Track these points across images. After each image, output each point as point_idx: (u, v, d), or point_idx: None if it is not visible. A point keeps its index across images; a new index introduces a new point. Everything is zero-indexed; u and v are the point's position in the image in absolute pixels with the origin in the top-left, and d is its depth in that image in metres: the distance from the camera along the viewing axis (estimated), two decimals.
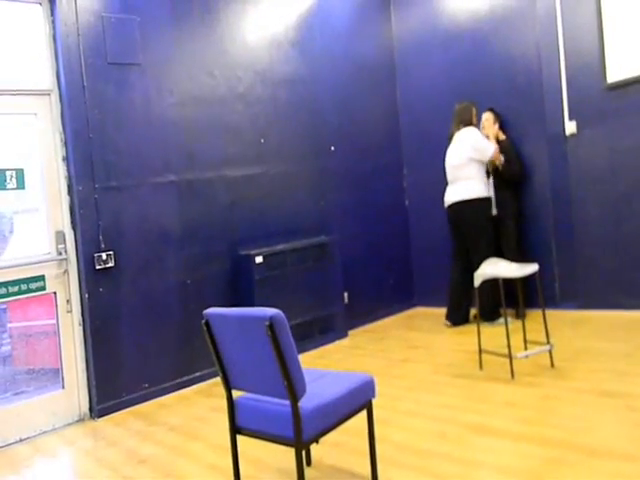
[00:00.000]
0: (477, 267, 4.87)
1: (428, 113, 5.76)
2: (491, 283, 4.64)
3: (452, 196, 5.06)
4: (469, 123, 5.07)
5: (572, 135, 5.01)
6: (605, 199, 4.87)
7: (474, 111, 5.12)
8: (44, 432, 3.83)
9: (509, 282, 3.86)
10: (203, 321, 2.43)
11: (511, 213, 5.16)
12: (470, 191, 4.95)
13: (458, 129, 5.09)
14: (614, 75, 4.70)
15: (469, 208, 4.96)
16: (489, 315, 4.94)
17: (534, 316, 3.93)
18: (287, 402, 2.21)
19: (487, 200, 5.02)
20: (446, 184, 5.21)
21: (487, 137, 5.14)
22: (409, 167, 6.20)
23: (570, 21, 4.95)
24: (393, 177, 6.21)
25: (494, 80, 5.48)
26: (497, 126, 5.27)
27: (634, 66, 4.60)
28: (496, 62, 5.45)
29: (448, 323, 5.19)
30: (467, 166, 4.98)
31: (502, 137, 5.26)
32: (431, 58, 5.97)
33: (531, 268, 3.73)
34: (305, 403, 2.24)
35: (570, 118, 5.01)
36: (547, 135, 5.17)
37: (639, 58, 4.56)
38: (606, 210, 4.87)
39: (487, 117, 5.26)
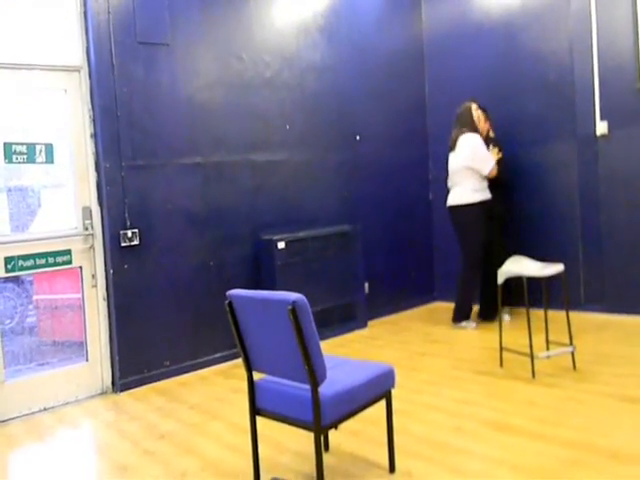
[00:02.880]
0: (466, 269, 5.04)
1: (456, 107, 5.70)
2: (490, 282, 4.86)
3: (449, 200, 5.12)
4: (471, 126, 4.97)
5: (603, 136, 4.92)
6: (635, 203, 4.78)
7: (474, 109, 5.01)
8: (67, 403, 3.92)
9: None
10: (226, 302, 2.45)
11: (496, 215, 5.11)
12: (457, 197, 5.02)
13: (461, 133, 4.97)
14: None
15: (457, 212, 5.03)
16: (486, 314, 5.07)
17: (557, 317, 3.89)
18: (307, 387, 2.23)
19: (476, 205, 4.94)
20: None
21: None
22: (435, 161, 6.14)
23: (605, 19, 4.84)
24: (418, 170, 6.17)
25: (524, 76, 5.39)
26: (488, 123, 5.19)
27: None
28: (527, 58, 5.36)
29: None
30: (463, 172, 4.96)
31: (492, 134, 5.20)
32: (461, 51, 5.89)
33: (556, 268, 3.68)
34: (325, 389, 2.25)
35: (602, 118, 4.92)
36: (577, 135, 5.08)
37: None
38: (635, 214, 4.78)
39: (477, 114, 5.06)
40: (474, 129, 4.97)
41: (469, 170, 4.93)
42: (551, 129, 5.25)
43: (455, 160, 5.03)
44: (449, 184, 5.16)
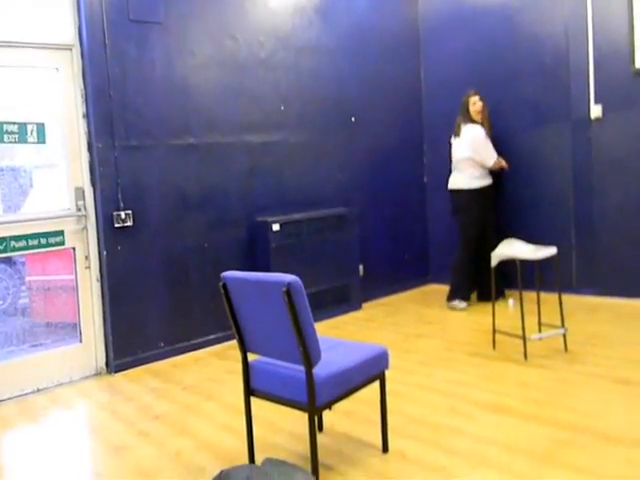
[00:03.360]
0: (461, 250, 5.17)
1: (451, 91, 5.67)
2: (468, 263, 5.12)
3: (449, 183, 5.28)
4: (467, 117, 5.07)
5: (597, 119, 4.92)
6: (627, 186, 4.79)
7: (471, 102, 5.06)
8: (61, 384, 3.92)
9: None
10: (221, 283, 2.44)
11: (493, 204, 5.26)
12: (455, 182, 5.19)
13: (464, 123, 5.08)
14: None
15: (455, 196, 5.23)
16: (485, 295, 5.14)
17: (550, 300, 3.91)
18: (302, 368, 2.23)
19: (475, 191, 5.08)
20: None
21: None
22: (429, 144, 6.13)
23: (600, 3, 4.82)
24: (413, 153, 6.15)
25: (520, 60, 5.36)
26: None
27: None
28: (523, 41, 5.34)
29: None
30: (465, 161, 5.08)
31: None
32: (457, 34, 5.85)
33: (548, 251, 3.70)
34: (319, 370, 2.26)
35: (596, 102, 4.91)
36: (572, 118, 5.08)
37: None
38: (628, 197, 4.80)
39: (475, 101, 5.08)
40: (470, 120, 5.07)
41: (471, 160, 5.04)
42: (546, 112, 5.24)
43: (459, 148, 5.12)
44: (452, 167, 5.25)
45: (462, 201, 5.14)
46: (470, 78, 5.67)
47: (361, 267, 5.46)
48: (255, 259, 4.74)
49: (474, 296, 5.32)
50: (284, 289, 2.15)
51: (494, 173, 5.20)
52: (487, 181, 5.12)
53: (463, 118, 5.10)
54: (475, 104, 5.07)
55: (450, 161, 5.30)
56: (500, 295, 5.04)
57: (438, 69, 6.06)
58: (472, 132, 5.03)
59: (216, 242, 4.57)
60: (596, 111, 4.91)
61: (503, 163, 5.12)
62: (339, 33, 5.43)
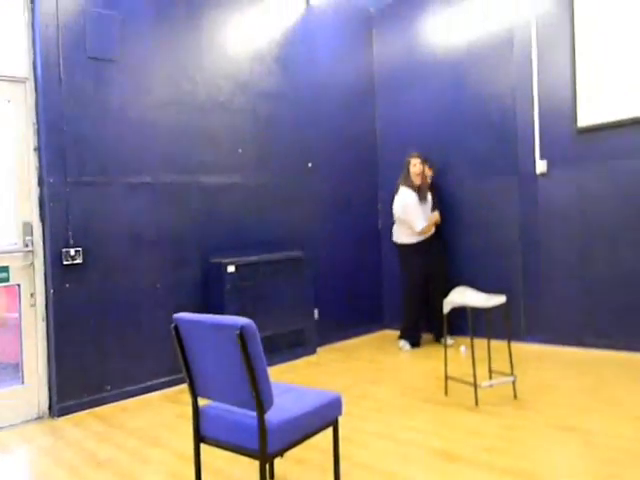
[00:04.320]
0: (404, 297, 5.42)
1: (404, 140, 5.90)
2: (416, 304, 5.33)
3: (392, 235, 5.55)
4: (405, 180, 5.29)
5: (542, 174, 5.16)
6: (572, 239, 5.00)
7: (412, 164, 5.28)
8: (0, 428, 3.73)
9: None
10: (172, 325, 2.41)
11: (436, 249, 5.47)
12: (397, 236, 5.43)
13: (402, 184, 5.32)
14: (585, 119, 4.87)
15: (397, 249, 5.48)
16: (406, 336, 5.39)
17: (500, 347, 3.99)
18: (254, 413, 2.20)
19: (411, 245, 5.33)
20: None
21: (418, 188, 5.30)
22: (384, 191, 6.25)
23: (545, 65, 5.12)
24: (368, 199, 6.28)
25: (470, 115, 5.62)
26: (430, 172, 5.52)
27: (603, 112, 4.77)
28: (472, 98, 5.60)
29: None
30: (399, 220, 5.36)
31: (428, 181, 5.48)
32: (410, 87, 6.11)
33: (498, 299, 3.80)
34: (272, 416, 2.23)
35: (541, 157, 5.15)
36: (519, 172, 5.31)
37: (608, 105, 4.74)
38: (573, 249, 5.00)
39: (415, 163, 5.28)
40: (408, 183, 5.26)
41: (403, 221, 5.28)
42: (494, 166, 5.47)
43: (394, 206, 5.36)
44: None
45: (402, 253, 5.41)
46: (422, 131, 5.91)
47: (316, 311, 5.46)
48: (209, 301, 4.68)
49: (430, 337, 5.50)
50: (237, 332, 2.13)
51: (442, 223, 5.42)
52: (422, 238, 5.30)
53: (403, 179, 5.31)
54: (415, 166, 5.26)
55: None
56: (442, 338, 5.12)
57: (391, 120, 6.29)
58: (403, 198, 5.25)
59: (169, 282, 4.51)
60: (541, 166, 5.15)
61: (434, 220, 5.30)
62: (298, 81, 5.56)
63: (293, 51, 5.52)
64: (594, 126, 4.82)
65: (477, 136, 5.56)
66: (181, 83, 4.66)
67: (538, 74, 5.15)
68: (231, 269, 4.64)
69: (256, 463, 2.22)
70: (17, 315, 3.93)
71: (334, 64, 5.95)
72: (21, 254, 3.92)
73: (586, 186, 4.91)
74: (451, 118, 5.75)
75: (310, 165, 5.66)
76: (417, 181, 5.25)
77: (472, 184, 5.62)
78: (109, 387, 4.12)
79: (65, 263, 3.95)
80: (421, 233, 5.24)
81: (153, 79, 4.48)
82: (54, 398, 3.90)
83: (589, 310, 4.89)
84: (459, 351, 5.01)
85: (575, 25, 4.87)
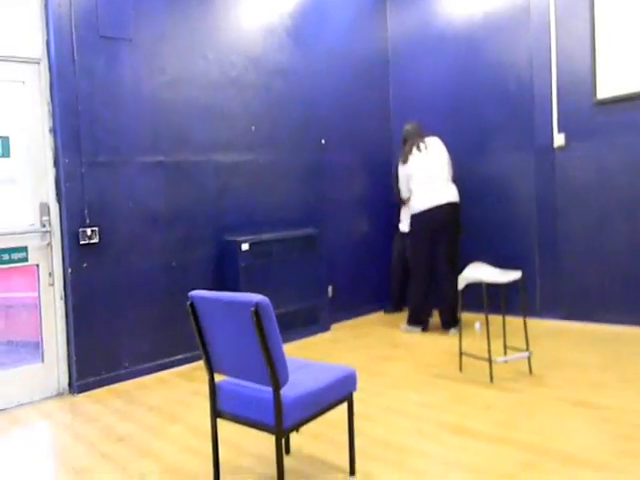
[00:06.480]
0: (456, 268, 4.83)
1: (419, 113, 5.80)
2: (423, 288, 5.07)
3: (444, 196, 4.92)
4: (424, 137, 5.13)
5: (560, 147, 5.07)
6: (589, 213, 4.94)
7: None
8: (22, 404, 3.81)
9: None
10: (188, 303, 2.42)
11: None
12: (456, 194, 5.00)
13: (421, 139, 5.09)
14: (604, 91, 4.77)
15: (458, 209, 5.00)
16: (412, 318, 5.19)
17: (515, 323, 3.98)
18: (269, 389, 2.22)
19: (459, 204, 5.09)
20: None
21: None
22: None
23: (564, 35, 5.00)
24: (383, 175, 6.22)
25: (485, 86, 5.52)
26: None
27: (623, 84, 4.67)
28: (488, 68, 5.50)
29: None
30: (446, 169, 5.05)
31: None
32: (424, 59, 6.01)
33: (514, 275, 3.77)
34: (287, 391, 2.25)
35: (559, 130, 5.06)
36: (535, 146, 5.22)
37: (629, 76, 4.63)
38: (590, 224, 4.94)
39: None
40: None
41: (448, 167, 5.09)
42: (510, 139, 5.38)
43: (436, 157, 5.04)
44: (431, 182, 5.01)
45: (459, 214, 5.02)
46: (436, 103, 5.83)
47: (330, 288, 5.48)
48: (223, 279, 4.71)
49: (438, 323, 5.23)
50: (252, 309, 2.14)
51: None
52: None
53: (420, 137, 5.11)
54: None
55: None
56: (454, 325, 4.95)
57: (406, 93, 6.19)
58: (439, 140, 5.10)
59: (184, 261, 4.53)
60: (559, 140, 5.06)
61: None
62: (310, 55, 5.50)
63: (305, 24, 5.45)
64: (614, 98, 4.72)
65: (493, 108, 5.47)
66: (194, 60, 4.63)
67: (556, 44, 5.03)
68: (245, 247, 4.66)
69: (272, 438, 2.25)
70: (36, 294, 3.98)
71: (347, 37, 5.87)
72: (39, 234, 3.95)
73: (605, 160, 4.82)
74: (466, 90, 5.65)
75: (323, 142, 5.63)
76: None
77: (487, 157, 5.54)
78: (127, 364, 4.18)
79: (82, 243, 3.99)
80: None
81: (166, 57, 4.46)
82: (74, 375, 3.97)
83: (606, 286, 4.85)
84: (474, 327, 5.00)
85: None
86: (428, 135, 5.14)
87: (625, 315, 4.74)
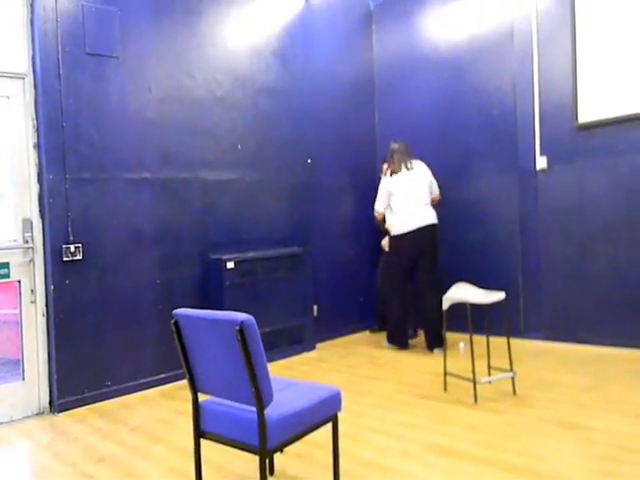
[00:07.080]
0: (432, 287, 5.01)
1: (404, 135, 5.85)
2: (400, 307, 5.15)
3: (425, 218, 5.03)
4: (411, 158, 5.20)
5: (542, 171, 5.16)
6: (571, 235, 5.00)
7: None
8: (1, 423, 3.74)
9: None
10: (172, 321, 2.41)
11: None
12: (435, 216, 5.11)
13: (409, 160, 5.16)
14: (585, 116, 4.87)
15: (436, 230, 5.10)
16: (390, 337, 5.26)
17: (498, 343, 3.99)
18: (253, 409, 2.21)
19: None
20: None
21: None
22: None
23: (546, 60, 5.11)
24: (368, 195, 6.21)
25: (470, 110, 5.62)
26: None
27: (604, 109, 4.77)
28: (473, 93, 5.60)
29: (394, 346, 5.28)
30: (427, 193, 5.14)
31: None
32: (409, 83, 6.10)
33: (498, 296, 3.81)
34: (271, 411, 2.24)
35: (541, 154, 5.15)
36: (518, 169, 5.31)
37: (609, 101, 4.73)
38: (572, 246, 5.00)
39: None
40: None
41: (429, 190, 5.18)
42: (494, 162, 5.47)
43: (418, 180, 5.12)
44: (409, 205, 5.09)
45: (437, 235, 5.09)
46: (421, 126, 5.92)
47: (315, 307, 5.47)
48: (208, 297, 4.69)
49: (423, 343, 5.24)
50: (237, 328, 2.13)
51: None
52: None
53: (408, 158, 5.17)
54: None
55: None
56: (438, 345, 4.96)
57: (391, 116, 6.28)
58: (423, 164, 5.18)
59: (168, 279, 4.51)
60: (541, 163, 5.15)
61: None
62: (296, 76, 5.56)
63: (292, 46, 5.52)
64: (595, 122, 4.82)
65: (477, 132, 5.56)
66: (180, 78, 4.66)
67: (539, 69, 5.14)
68: (230, 265, 4.65)
69: (256, 458, 2.23)
70: (17, 311, 3.94)
71: (333, 59, 5.95)
72: (21, 250, 3.92)
73: (586, 183, 4.91)
74: (451, 114, 5.75)
75: (309, 161, 5.66)
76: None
77: (471, 180, 5.62)
78: (109, 383, 4.13)
79: (65, 259, 3.96)
80: (438, 196, 5.29)
81: (152, 75, 4.48)
82: (55, 394, 3.91)
83: (588, 307, 4.90)
84: (458, 347, 5.02)
85: (576, 20, 4.86)
86: (414, 158, 5.21)
87: (606, 337, 4.78)
